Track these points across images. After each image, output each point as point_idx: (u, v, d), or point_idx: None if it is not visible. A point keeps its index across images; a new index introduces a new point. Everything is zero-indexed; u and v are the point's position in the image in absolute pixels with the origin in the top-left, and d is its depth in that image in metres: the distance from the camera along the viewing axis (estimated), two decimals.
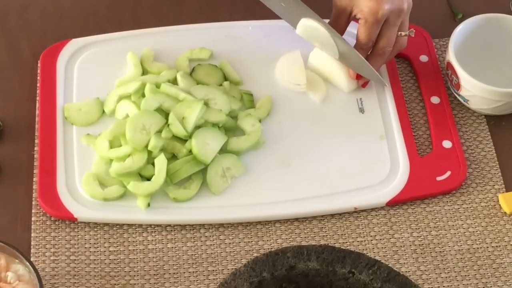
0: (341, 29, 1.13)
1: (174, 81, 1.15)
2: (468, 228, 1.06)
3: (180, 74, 1.14)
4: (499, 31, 1.15)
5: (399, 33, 1.11)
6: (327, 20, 1.13)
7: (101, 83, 1.15)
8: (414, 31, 1.12)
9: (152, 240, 1.04)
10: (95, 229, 1.05)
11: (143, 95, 1.12)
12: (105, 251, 1.03)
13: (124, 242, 1.04)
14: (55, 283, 1.00)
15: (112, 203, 1.05)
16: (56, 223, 1.05)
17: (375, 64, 1.12)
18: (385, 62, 1.16)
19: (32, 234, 1.04)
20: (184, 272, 1.02)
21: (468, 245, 1.05)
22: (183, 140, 1.08)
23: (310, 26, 1.11)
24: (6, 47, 1.20)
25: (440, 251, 1.04)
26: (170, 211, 1.05)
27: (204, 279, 1.02)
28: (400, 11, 1.08)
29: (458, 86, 1.13)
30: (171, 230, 1.05)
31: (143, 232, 1.05)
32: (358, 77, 1.14)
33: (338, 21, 1.12)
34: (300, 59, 1.17)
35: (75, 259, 1.02)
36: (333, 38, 1.10)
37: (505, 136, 1.14)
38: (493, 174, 1.10)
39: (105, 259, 1.03)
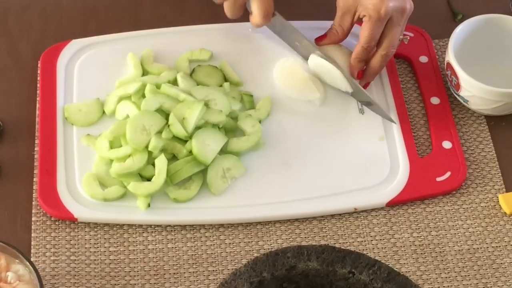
0: (346, 31, 1.13)
1: (174, 82, 1.15)
2: (468, 228, 1.06)
3: (180, 75, 1.14)
4: (499, 32, 1.15)
5: None
6: (330, 22, 1.14)
7: (101, 84, 1.15)
8: (409, 38, 1.12)
9: (152, 240, 1.04)
10: (95, 229, 1.05)
11: (143, 96, 1.12)
12: (105, 251, 1.03)
13: (124, 242, 1.04)
14: (55, 283, 1.00)
15: (112, 203, 1.05)
16: (56, 223, 1.05)
17: (377, 66, 1.12)
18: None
19: (32, 234, 1.04)
20: (184, 272, 1.02)
21: (468, 245, 1.05)
22: (183, 141, 1.08)
23: (319, 64, 1.12)
24: (6, 48, 1.20)
25: (440, 252, 1.04)
26: (170, 212, 1.05)
27: (204, 279, 1.02)
28: (403, 11, 1.08)
29: (458, 86, 1.13)
30: (171, 230, 1.05)
31: (143, 232, 1.05)
32: (360, 76, 1.14)
33: (343, 22, 1.12)
34: (295, 64, 1.17)
35: (75, 259, 1.02)
36: (343, 75, 1.11)
37: (505, 136, 1.14)
38: (493, 174, 1.10)
39: (105, 259, 1.03)
